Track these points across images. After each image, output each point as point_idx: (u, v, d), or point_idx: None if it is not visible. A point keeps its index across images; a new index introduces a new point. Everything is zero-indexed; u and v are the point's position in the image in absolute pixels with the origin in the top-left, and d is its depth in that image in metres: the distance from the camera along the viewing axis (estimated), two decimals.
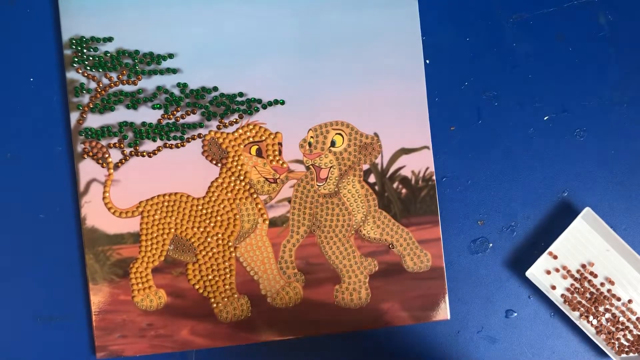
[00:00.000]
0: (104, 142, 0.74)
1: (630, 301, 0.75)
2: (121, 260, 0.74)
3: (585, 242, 0.75)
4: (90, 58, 0.74)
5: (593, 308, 0.75)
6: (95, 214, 0.74)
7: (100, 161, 0.74)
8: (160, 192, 0.74)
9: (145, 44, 0.75)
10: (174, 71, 0.75)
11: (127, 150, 0.74)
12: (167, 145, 0.74)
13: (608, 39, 0.77)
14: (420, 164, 0.75)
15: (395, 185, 0.75)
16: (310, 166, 0.75)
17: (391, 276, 0.75)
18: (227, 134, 0.75)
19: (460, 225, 0.76)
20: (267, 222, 0.75)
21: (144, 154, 0.74)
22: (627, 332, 0.75)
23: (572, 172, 0.76)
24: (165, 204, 0.74)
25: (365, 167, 0.75)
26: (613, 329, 0.75)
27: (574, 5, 0.77)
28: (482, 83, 0.76)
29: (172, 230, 0.74)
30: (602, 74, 0.77)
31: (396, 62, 0.76)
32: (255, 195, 0.74)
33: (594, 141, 0.77)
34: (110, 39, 0.74)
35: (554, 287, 0.75)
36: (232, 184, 0.74)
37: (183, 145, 0.75)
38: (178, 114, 0.75)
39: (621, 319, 0.75)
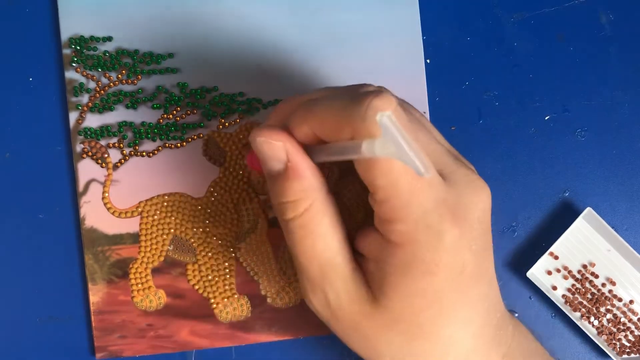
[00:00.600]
0: (103, 142, 0.74)
1: (631, 302, 0.75)
2: (120, 260, 0.74)
3: (586, 242, 0.75)
4: (90, 58, 0.74)
5: (594, 309, 0.75)
6: (94, 214, 0.73)
7: (100, 161, 0.74)
8: (160, 192, 0.74)
9: (144, 43, 0.75)
10: (174, 71, 0.75)
11: (127, 150, 0.74)
12: (167, 145, 0.74)
13: (609, 39, 0.77)
14: None
15: None
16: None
17: None
18: (227, 134, 0.74)
19: None
20: (267, 222, 0.75)
21: (144, 153, 0.74)
22: (628, 332, 0.75)
23: (573, 172, 0.76)
24: (165, 204, 0.74)
25: None
26: (614, 330, 0.74)
27: (575, 4, 0.77)
28: (483, 83, 0.76)
29: (172, 230, 0.74)
30: (603, 73, 0.77)
31: (396, 62, 0.75)
32: (255, 195, 0.74)
33: (596, 141, 0.77)
34: (109, 39, 0.74)
35: (555, 288, 0.75)
36: (232, 184, 0.74)
37: (183, 145, 0.74)
38: (178, 114, 0.74)
39: (622, 319, 0.75)
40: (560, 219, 0.76)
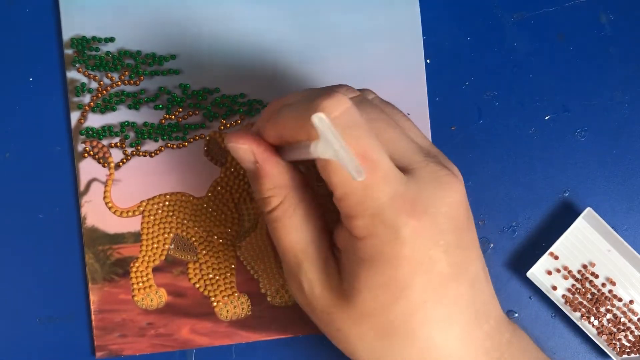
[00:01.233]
0: (105, 142, 0.74)
1: (631, 302, 0.75)
2: (121, 259, 0.74)
3: (586, 242, 0.75)
4: (92, 58, 0.74)
5: (594, 309, 0.75)
6: (95, 214, 0.74)
7: (101, 161, 0.74)
8: (162, 191, 0.75)
9: (147, 44, 0.75)
10: (176, 72, 0.75)
11: (129, 150, 0.74)
12: (169, 145, 0.75)
13: (609, 39, 0.77)
14: None
15: None
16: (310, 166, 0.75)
17: None
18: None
19: None
20: None
21: (146, 153, 0.75)
22: (628, 332, 0.75)
23: (573, 172, 0.76)
24: (167, 203, 0.74)
25: None
26: (614, 330, 0.74)
27: (575, 4, 0.77)
28: (483, 83, 0.76)
29: (173, 229, 0.74)
30: (603, 73, 0.77)
31: (396, 62, 0.76)
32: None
33: (596, 141, 0.76)
34: (112, 39, 0.75)
35: (555, 288, 0.75)
36: (232, 184, 0.74)
37: (185, 146, 0.75)
38: (180, 115, 0.75)
39: (622, 319, 0.75)
40: (560, 219, 0.75)
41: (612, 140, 0.76)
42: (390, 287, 0.53)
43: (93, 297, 0.74)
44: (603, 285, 0.75)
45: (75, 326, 0.75)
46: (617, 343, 0.74)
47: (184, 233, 0.74)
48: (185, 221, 0.74)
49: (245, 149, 0.57)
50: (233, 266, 0.74)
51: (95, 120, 0.74)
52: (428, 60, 0.76)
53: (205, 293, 0.74)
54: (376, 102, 0.63)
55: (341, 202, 0.52)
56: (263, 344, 0.75)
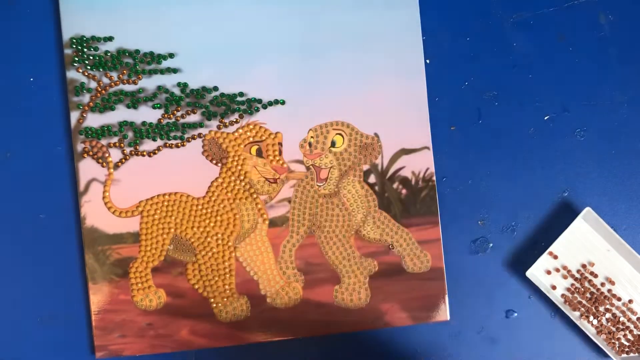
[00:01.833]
0: (104, 142, 0.74)
1: (630, 301, 0.75)
2: (121, 259, 0.74)
3: (585, 242, 0.75)
4: (91, 57, 0.74)
5: (593, 308, 0.75)
6: (95, 214, 0.74)
7: (101, 160, 0.74)
8: (160, 191, 0.74)
9: (145, 43, 0.75)
10: (175, 71, 0.75)
11: (127, 150, 0.74)
12: (168, 144, 0.74)
13: (608, 39, 0.77)
14: (420, 164, 0.75)
15: (395, 185, 0.75)
16: (311, 166, 0.75)
17: (391, 277, 0.75)
18: (228, 133, 0.75)
19: (460, 226, 0.76)
20: (267, 222, 0.75)
21: (144, 153, 0.74)
22: (627, 332, 0.75)
23: (572, 172, 0.77)
24: (165, 203, 0.74)
25: (366, 167, 0.75)
26: (613, 329, 0.75)
27: (574, 5, 0.77)
28: (483, 83, 0.76)
29: (172, 230, 0.74)
30: (602, 73, 0.77)
31: (396, 62, 0.76)
32: (255, 195, 0.74)
33: (595, 141, 0.77)
34: (110, 39, 0.74)
35: (554, 287, 0.75)
36: (232, 184, 0.74)
37: (183, 145, 0.75)
38: (178, 114, 0.75)
39: (621, 319, 0.75)
40: (560, 219, 0.76)
41: (611, 140, 0.77)
42: None
43: (93, 298, 0.73)
44: (602, 284, 0.75)
45: (75, 326, 0.74)
46: (616, 342, 0.75)
47: (183, 234, 0.74)
48: (184, 221, 0.74)
49: None
50: (232, 267, 0.74)
51: (94, 120, 0.74)
52: (428, 61, 0.76)
53: (205, 294, 0.74)
54: None
55: None
56: (263, 346, 0.75)
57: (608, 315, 0.75)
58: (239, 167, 0.74)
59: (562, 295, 0.75)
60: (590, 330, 0.74)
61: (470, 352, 0.76)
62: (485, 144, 0.76)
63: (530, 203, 0.76)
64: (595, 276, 0.75)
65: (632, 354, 0.75)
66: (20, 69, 0.75)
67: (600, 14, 0.77)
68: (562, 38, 0.77)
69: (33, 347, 0.74)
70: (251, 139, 0.75)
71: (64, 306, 0.74)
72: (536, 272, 0.75)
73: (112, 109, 0.74)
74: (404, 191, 0.75)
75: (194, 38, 0.75)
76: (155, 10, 0.75)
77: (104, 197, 0.74)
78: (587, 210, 0.74)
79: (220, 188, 0.74)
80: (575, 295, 0.75)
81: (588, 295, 0.75)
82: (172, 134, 0.75)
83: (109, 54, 0.74)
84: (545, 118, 0.77)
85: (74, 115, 0.74)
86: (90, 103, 0.74)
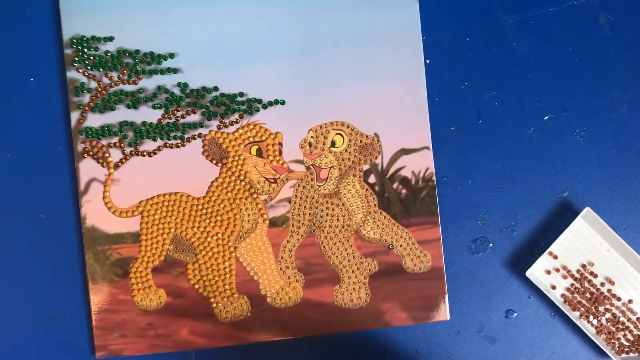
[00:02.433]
0: (104, 142, 0.74)
1: (630, 301, 0.75)
2: (121, 259, 0.74)
3: (585, 242, 0.75)
4: (91, 57, 0.74)
5: (593, 308, 0.75)
6: (95, 214, 0.74)
7: (101, 160, 0.74)
8: (161, 191, 0.74)
9: (145, 43, 0.75)
10: (175, 71, 0.75)
11: (128, 150, 0.74)
12: (168, 144, 0.74)
13: (608, 39, 0.77)
14: (420, 164, 0.75)
15: (395, 185, 0.75)
16: (311, 166, 0.75)
17: (391, 276, 0.75)
18: (228, 133, 0.75)
19: (460, 226, 0.76)
20: (267, 222, 0.75)
21: (144, 153, 0.74)
22: (627, 332, 0.75)
23: (572, 172, 0.77)
24: (166, 203, 0.74)
25: (366, 167, 0.75)
26: (613, 329, 0.75)
27: (574, 5, 0.77)
28: (482, 83, 0.76)
29: (172, 230, 0.74)
30: (602, 73, 0.77)
31: (396, 62, 0.76)
32: (255, 195, 0.74)
33: (594, 141, 0.77)
34: (110, 39, 0.74)
35: (554, 287, 0.75)
36: (232, 184, 0.74)
37: (183, 145, 0.75)
38: (178, 114, 0.75)
39: (621, 319, 0.75)
40: (560, 219, 0.76)
41: (611, 140, 0.77)
42: None
43: (93, 297, 0.73)
44: (602, 284, 0.75)
45: (75, 326, 0.74)
46: (616, 342, 0.75)
47: (183, 233, 0.74)
48: (184, 221, 0.74)
49: None
50: (232, 267, 0.74)
51: (94, 120, 0.74)
52: (428, 61, 0.76)
53: (205, 294, 0.74)
54: None
55: None
56: (263, 346, 0.75)
57: (608, 315, 0.75)
58: (239, 167, 0.74)
59: (562, 295, 0.75)
60: (590, 330, 0.74)
61: (470, 352, 0.76)
62: (485, 144, 0.76)
63: (530, 203, 0.76)
64: (595, 276, 0.75)
65: (631, 354, 0.75)
66: (21, 69, 0.75)
67: (600, 14, 0.77)
68: (562, 38, 0.77)
69: (33, 347, 0.74)
70: (251, 139, 0.75)
71: (64, 306, 0.74)
72: (536, 272, 0.75)
73: (113, 109, 0.74)
74: (404, 191, 0.75)
75: (194, 38, 0.75)
76: (156, 10, 0.75)
77: (104, 197, 0.74)
78: (587, 210, 0.74)
79: (221, 188, 0.74)
80: (575, 295, 0.75)
81: (588, 295, 0.75)
82: (172, 134, 0.75)
83: (109, 54, 0.74)
84: (545, 118, 0.77)
85: (74, 116, 0.74)
86: (91, 103, 0.74)
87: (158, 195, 0.74)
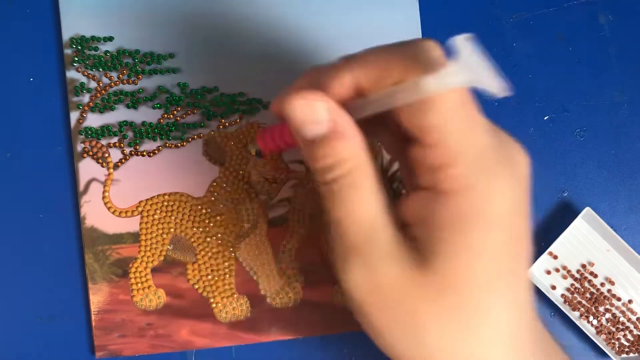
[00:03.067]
0: (104, 142, 0.74)
1: (630, 301, 0.75)
2: (121, 259, 0.74)
3: (585, 242, 0.75)
4: (91, 57, 0.74)
5: (593, 308, 0.75)
6: (94, 214, 0.74)
7: (100, 161, 0.74)
8: (160, 191, 0.74)
9: (145, 43, 0.75)
10: (175, 71, 0.75)
11: (127, 150, 0.74)
12: (168, 145, 0.74)
13: (608, 39, 0.77)
14: None
15: (395, 185, 0.75)
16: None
17: None
18: (228, 134, 0.75)
19: None
20: (267, 222, 0.75)
21: (144, 153, 0.74)
22: (627, 332, 0.75)
23: (572, 172, 0.76)
24: (165, 203, 0.74)
25: None
26: (613, 329, 0.75)
27: (574, 5, 0.77)
28: None
29: (172, 230, 0.74)
30: (602, 73, 0.77)
31: None
32: (255, 196, 0.74)
33: (595, 141, 0.77)
34: (110, 39, 0.74)
35: (554, 287, 0.75)
36: (232, 184, 0.74)
37: (183, 145, 0.75)
38: (178, 114, 0.75)
39: (621, 319, 0.75)
40: (560, 219, 0.76)
41: (611, 140, 0.77)
42: (481, 253, 0.46)
43: (93, 298, 0.73)
44: (602, 284, 0.75)
45: (75, 326, 0.74)
46: (616, 342, 0.75)
47: (183, 234, 0.74)
48: (184, 222, 0.74)
49: (321, 106, 0.48)
50: (232, 267, 0.74)
51: (94, 120, 0.74)
52: None
53: (204, 294, 0.74)
54: None
55: (435, 149, 0.46)
56: (263, 346, 0.75)
57: (608, 315, 0.75)
58: (239, 168, 0.74)
59: (562, 295, 0.75)
60: (590, 331, 0.74)
61: None
62: None
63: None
64: (595, 276, 0.75)
65: (632, 354, 0.75)
66: (20, 69, 0.75)
67: (601, 14, 0.77)
68: (562, 38, 0.77)
69: (32, 347, 0.74)
70: (251, 139, 0.75)
71: (63, 306, 0.74)
72: (536, 272, 0.75)
73: (112, 109, 0.74)
74: (404, 191, 0.75)
75: (194, 38, 0.75)
76: (155, 10, 0.75)
77: (103, 197, 0.74)
78: (587, 210, 0.74)
79: (220, 188, 0.74)
80: (575, 295, 0.75)
81: (588, 295, 0.75)
82: (172, 134, 0.75)
83: (108, 54, 0.74)
84: (545, 118, 0.77)
85: (74, 116, 0.74)
86: (90, 103, 0.74)
87: (158, 196, 0.74)
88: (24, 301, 0.74)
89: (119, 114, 0.74)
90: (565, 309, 0.74)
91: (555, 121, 0.77)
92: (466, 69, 0.43)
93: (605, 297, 0.75)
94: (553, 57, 0.77)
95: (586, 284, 0.75)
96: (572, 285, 0.75)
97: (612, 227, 0.74)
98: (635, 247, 0.74)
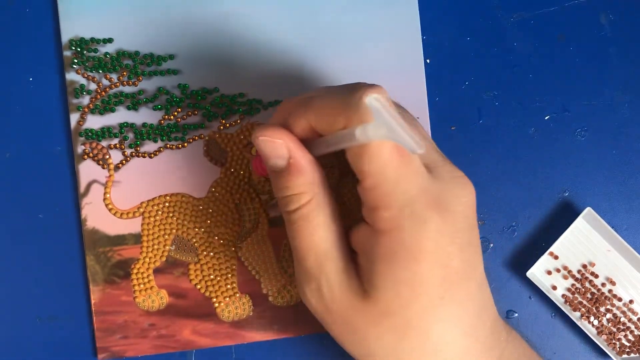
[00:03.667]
0: (104, 143, 0.74)
1: (631, 301, 0.75)
2: (122, 261, 0.74)
3: (586, 242, 0.75)
4: (90, 59, 0.74)
5: (594, 308, 0.75)
6: (95, 215, 0.74)
7: (101, 162, 0.74)
8: (161, 192, 0.75)
9: (145, 45, 0.75)
10: (175, 72, 0.75)
11: (128, 151, 0.74)
12: (168, 146, 0.75)
13: (609, 39, 0.77)
14: None
15: None
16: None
17: None
18: (228, 134, 0.75)
19: None
20: (268, 221, 0.75)
21: (145, 154, 0.74)
22: (628, 332, 0.75)
23: (573, 172, 0.76)
24: (167, 204, 0.74)
25: None
26: (614, 330, 0.75)
27: (575, 4, 0.77)
28: (483, 83, 0.76)
29: (174, 230, 0.74)
30: (603, 73, 0.77)
31: (396, 61, 0.75)
32: (255, 195, 0.75)
33: (595, 141, 0.76)
34: (110, 40, 0.75)
35: (554, 288, 0.75)
36: (232, 184, 0.74)
37: (184, 146, 0.75)
38: (179, 115, 0.75)
39: (622, 319, 0.75)
40: (560, 219, 0.76)
41: (612, 140, 0.77)
42: (411, 283, 0.53)
43: (94, 299, 0.74)
44: (603, 285, 0.75)
45: (76, 327, 0.75)
46: (617, 343, 0.75)
47: (185, 234, 0.74)
48: (185, 222, 0.74)
49: (280, 144, 0.56)
50: (234, 267, 0.75)
51: (94, 122, 0.74)
52: (428, 60, 0.76)
53: (207, 294, 0.74)
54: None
55: (370, 192, 0.53)
56: (265, 345, 0.75)
57: (609, 315, 0.75)
58: (240, 168, 0.74)
59: (563, 295, 0.75)
60: (590, 331, 0.74)
61: None
62: (485, 144, 0.76)
63: (530, 203, 0.76)
64: (596, 276, 0.75)
65: (632, 355, 0.75)
66: (20, 71, 0.75)
67: (601, 13, 0.77)
68: (562, 38, 0.77)
69: (34, 349, 0.74)
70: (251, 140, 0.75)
71: (65, 308, 0.75)
72: (537, 272, 0.75)
73: (113, 110, 0.74)
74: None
75: (194, 39, 0.75)
76: (155, 11, 0.75)
77: (104, 199, 0.74)
78: (588, 211, 0.73)
79: (221, 188, 0.75)
80: (576, 295, 0.75)
81: (589, 295, 0.75)
82: (172, 135, 0.75)
83: (108, 56, 0.74)
84: (546, 118, 0.76)
85: (74, 117, 0.74)
86: (90, 105, 0.74)
87: (159, 197, 0.75)
88: (24, 302, 0.74)
89: (120, 116, 0.74)
90: (566, 309, 0.74)
91: (556, 121, 0.76)
92: (381, 127, 0.47)
93: (606, 297, 0.75)
94: (553, 57, 0.76)
95: (587, 284, 0.75)
96: (572, 285, 0.75)
97: (613, 227, 0.74)
98: (637, 247, 0.74)
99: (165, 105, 0.75)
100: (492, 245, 0.76)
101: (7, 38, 0.75)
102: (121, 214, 0.74)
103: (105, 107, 0.74)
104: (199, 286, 0.74)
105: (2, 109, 0.75)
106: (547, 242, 0.75)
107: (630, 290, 0.75)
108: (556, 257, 0.75)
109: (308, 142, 0.57)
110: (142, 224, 0.74)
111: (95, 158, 0.74)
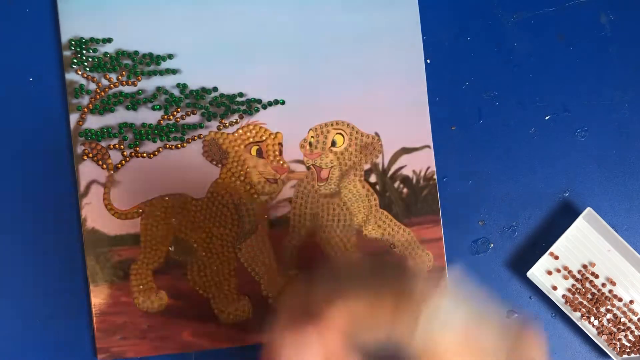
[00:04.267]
0: (103, 144, 0.74)
1: (631, 302, 0.75)
2: (122, 261, 0.74)
3: (586, 242, 0.75)
4: (90, 59, 0.74)
5: (594, 309, 0.75)
6: (95, 216, 0.74)
7: (101, 162, 0.74)
8: (161, 193, 0.74)
9: (144, 44, 0.75)
10: (174, 72, 0.75)
11: (127, 152, 0.74)
12: (167, 146, 0.74)
13: (609, 39, 0.77)
14: (421, 163, 0.75)
15: (396, 185, 0.75)
16: (311, 166, 0.75)
17: None
18: (228, 134, 0.75)
19: (461, 226, 0.76)
20: (268, 222, 0.75)
21: (144, 155, 0.74)
22: (628, 332, 0.75)
23: (573, 172, 0.76)
24: (166, 205, 0.74)
25: (366, 166, 0.75)
26: (614, 330, 0.75)
27: (575, 4, 0.77)
28: (483, 83, 0.76)
29: (173, 231, 0.74)
30: (603, 73, 0.77)
31: (396, 61, 0.75)
32: (255, 196, 0.74)
33: (595, 141, 0.76)
34: (109, 40, 0.74)
35: (555, 288, 0.75)
36: (232, 185, 0.74)
37: (183, 146, 0.75)
38: (178, 115, 0.75)
39: (622, 319, 0.75)
40: (561, 219, 0.76)
41: (612, 140, 0.77)
42: None
43: (94, 300, 0.73)
44: (603, 285, 0.75)
45: (76, 329, 0.74)
46: (617, 343, 0.75)
47: (184, 235, 0.74)
48: (184, 223, 0.74)
49: None
50: (233, 268, 0.74)
51: (94, 122, 0.74)
52: (428, 60, 0.76)
53: (206, 295, 0.74)
54: None
55: None
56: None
57: (609, 315, 0.75)
58: (239, 168, 0.74)
59: (563, 295, 0.75)
60: (591, 331, 0.74)
61: None
62: (485, 144, 0.76)
63: (531, 203, 0.76)
64: (596, 277, 0.75)
65: (633, 355, 0.75)
66: (19, 70, 0.75)
67: (601, 13, 0.77)
68: (562, 38, 0.77)
69: (34, 348, 0.74)
70: (251, 140, 0.75)
71: (65, 308, 0.74)
72: (537, 272, 0.75)
73: (112, 110, 0.74)
74: (405, 190, 0.75)
75: (193, 39, 0.75)
76: (154, 11, 0.75)
77: (104, 199, 0.74)
78: (588, 211, 0.73)
79: (221, 189, 0.74)
80: (576, 295, 0.75)
81: (589, 295, 0.75)
82: (172, 135, 0.74)
83: (107, 56, 0.74)
84: (546, 118, 0.76)
85: (74, 117, 0.74)
86: (90, 105, 0.74)
87: (158, 197, 0.74)
88: (25, 304, 0.74)
89: (119, 116, 0.74)
90: (567, 309, 0.74)
91: (556, 121, 0.76)
92: None
93: (606, 297, 0.75)
94: (554, 57, 0.76)
95: (587, 285, 0.75)
96: (573, 285, 0.75)
97: (613, 227, 0.74)
98: (637, 247, 0.74)
99: (165, 105, 0.74)
100: (492, 245, 0.76)
101: (7, 38, 0.75)
102: (120, 215, 0.74)
103: (105, 107, 0.74)
104: (198, 287, 0.74)
105: (2, 109, 0.74)
106: (547, 242, 0.75)
107: (631, 290, 0.75)
108: (556, 258, 0.75)
109: None
110: (141, 225, 0.74)
111: (95, 158, 0.74)
